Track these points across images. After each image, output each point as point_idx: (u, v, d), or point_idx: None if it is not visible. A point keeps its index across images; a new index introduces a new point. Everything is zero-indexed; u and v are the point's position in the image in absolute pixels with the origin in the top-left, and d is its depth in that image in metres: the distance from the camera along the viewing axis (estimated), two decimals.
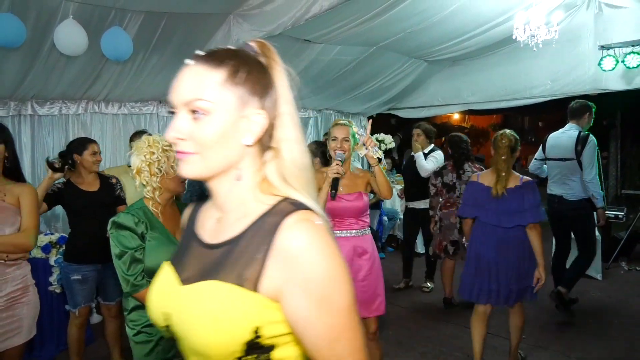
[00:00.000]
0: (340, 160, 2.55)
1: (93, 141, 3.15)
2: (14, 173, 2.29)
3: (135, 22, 3.62)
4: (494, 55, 6.12)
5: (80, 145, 3.09)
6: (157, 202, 2.01)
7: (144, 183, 1.99)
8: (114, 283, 2.90)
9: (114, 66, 4.07)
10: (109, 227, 1.91)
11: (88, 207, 3.03)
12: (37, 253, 3.54)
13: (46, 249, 3.56)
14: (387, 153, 6.72)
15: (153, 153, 1.95)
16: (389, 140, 5.98)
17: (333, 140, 2.69)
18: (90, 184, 3.10)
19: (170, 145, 1.99)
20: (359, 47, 5.10)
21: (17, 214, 2.21)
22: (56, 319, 3.58)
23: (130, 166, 3.01)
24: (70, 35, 3.23)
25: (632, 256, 5.98)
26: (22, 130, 4.23)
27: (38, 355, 3.54)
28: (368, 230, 2.82)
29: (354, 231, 2.74)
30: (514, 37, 4.28)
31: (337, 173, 2.51)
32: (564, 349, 3.65)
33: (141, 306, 1.97)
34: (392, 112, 7.94)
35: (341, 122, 2.77)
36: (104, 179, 3.19)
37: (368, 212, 2.84)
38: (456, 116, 13.89)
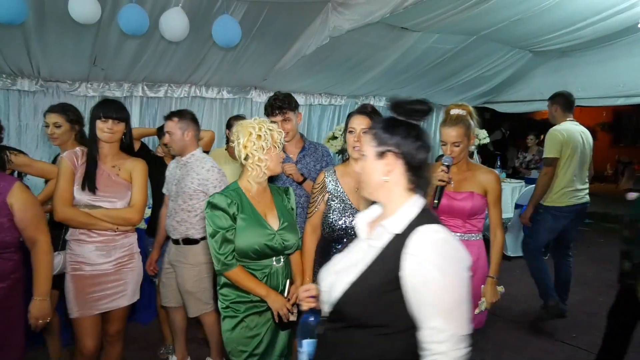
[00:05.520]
0: (447, 166, 2.33)
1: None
2: (128, 149, 2.51)
3: (239, 10, 3.75)
4: (609, 46, 5.51)
5: None
6: (253, 182, 2.08)
7: (250, 164, 2.04)
8: None
9: (217, 52, 4.27)
10: (204, 207, 2.01)
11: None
12: (140, 224, 3.82)
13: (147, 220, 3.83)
14: (483, 148, 6.34)
15: (260, 132, 2.02)
16: (484, 135, 5.63)
17: (443, 145, 2.45)
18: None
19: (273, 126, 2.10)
20: (459, 36, 4.87)
21: (128, 188, 2.40)
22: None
23: (227, 149, 3.14)
24: (173, 22, 3.41)
25: None
26: (132, 111, 4.59)
27: (137, 318, 3.86)
28: (477, 237, 2.52)
29: (457, 234, 2.45)
30: (639, 25, 3.83)
31: (441, 180, 2.32)
32: None
33: (232, 283, 2.06)
34: (487, 105, 7.51)
35: (452, 117, 2.42)
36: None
37: (482, 216, 2.53)
38: None
